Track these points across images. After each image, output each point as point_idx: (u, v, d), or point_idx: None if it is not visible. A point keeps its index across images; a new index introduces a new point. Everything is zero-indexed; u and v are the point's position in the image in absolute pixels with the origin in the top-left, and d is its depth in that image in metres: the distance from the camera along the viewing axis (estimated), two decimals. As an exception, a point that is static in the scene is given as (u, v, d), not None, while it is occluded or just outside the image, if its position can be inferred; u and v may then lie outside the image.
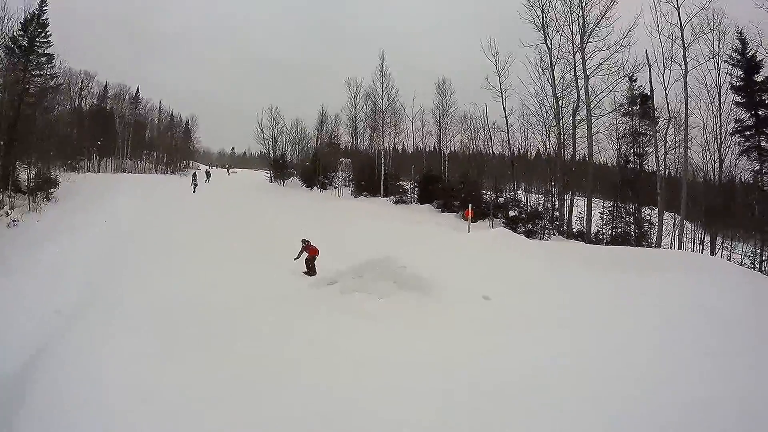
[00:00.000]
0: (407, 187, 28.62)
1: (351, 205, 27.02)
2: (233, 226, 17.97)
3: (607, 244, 21.83)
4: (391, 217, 23.82)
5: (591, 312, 7.94)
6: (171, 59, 53.31)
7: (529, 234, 22.70)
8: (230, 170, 44.88)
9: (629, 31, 22.11)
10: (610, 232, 22.78)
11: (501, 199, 25.56)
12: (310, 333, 7.03)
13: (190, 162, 39.01)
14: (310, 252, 13.04)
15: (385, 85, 29.15)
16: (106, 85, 33.50)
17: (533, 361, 6.03)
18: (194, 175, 30.34)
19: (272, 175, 34.12)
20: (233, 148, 56.09)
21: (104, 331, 7.36)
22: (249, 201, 25.15)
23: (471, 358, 6.21)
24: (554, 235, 23.45)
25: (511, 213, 24.62)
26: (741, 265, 17.94)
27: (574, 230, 23.42)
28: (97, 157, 31.87)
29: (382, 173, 28.87)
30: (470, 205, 20.47)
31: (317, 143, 33.17)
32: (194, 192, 26.62)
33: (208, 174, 34.07)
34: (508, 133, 26.18)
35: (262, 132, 34.20)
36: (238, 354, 6.38)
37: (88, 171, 29.78)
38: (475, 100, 32.43)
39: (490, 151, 27.59)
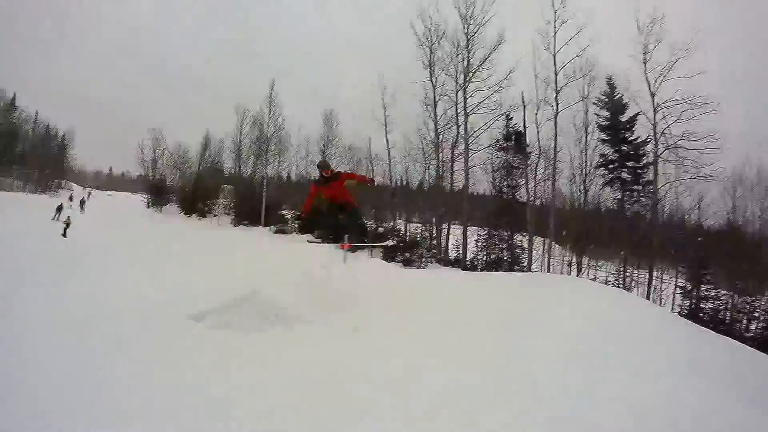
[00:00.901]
0: (288, 216, 27.32)
1: (228, 235, 25.22)
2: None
3: (482, 269, 22.38)
4: (269, 247, 22.29)
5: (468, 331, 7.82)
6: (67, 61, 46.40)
7: (407, 262, 22.89)
8: (106, 193, 40.57)
9: (509, 74, 23.69)
10: (484, 258, 23.18)
11: (380, 230, 24.95)
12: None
13: (62, 182, 34.78)
14: None
15: (272, 112, 28.61)
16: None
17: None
18: (59, 207, 24.62)
19: (150, 200, 31.46)
20: (111, 168, 50.81)
21: None
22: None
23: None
24: (432, 263, 23.51)
25: (390, 242, 23.94)
26: (606, 283, 19.42)
27: (451, 258, 23.66)
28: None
29: (263, 202, 27.50)
30: (346, 235, 19.71)
31: (199, 168, 31.31)
32: (64, 235, 19.87)
33: (82, 204, 29.93)
34: (389, 164, 26.56)
35: (142, 152, 31.95)
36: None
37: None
38: (361, 130, 32.72)
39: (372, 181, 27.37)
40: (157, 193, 31.25)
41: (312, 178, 9.95)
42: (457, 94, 24.48)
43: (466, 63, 24.31)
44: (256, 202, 27.72)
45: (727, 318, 20.30)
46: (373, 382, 5.44)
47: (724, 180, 21.53)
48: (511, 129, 24.15)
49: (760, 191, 22.30)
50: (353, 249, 20.84)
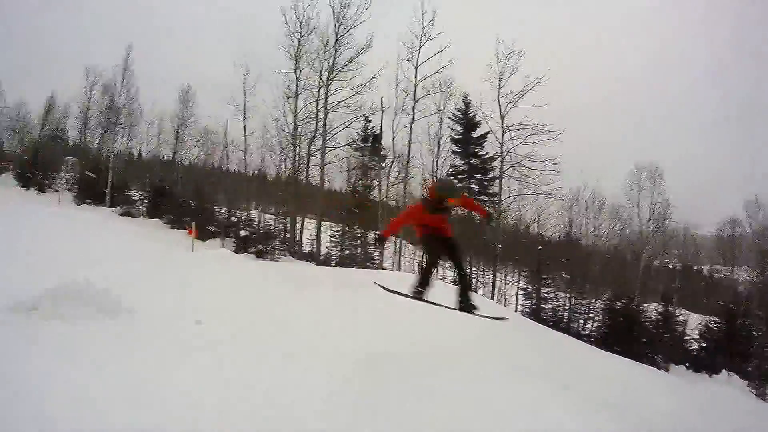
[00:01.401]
0: (136, 198, 25.41)
1: (68, 215, 22.63)
2: None
3: (336, 265, 22.42)
4: (112, 230, 20.23)
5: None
6: None
7: (260, 254, 22.23)
8: None
9: (372, 78, 24.03)
10: (338, 253, 23.58)
11: (233, 218, 24.00)
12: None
13: None
14: None
15: (125, 81, 26.00)
16: None
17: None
18: None
19: (-22, 168, 27.63)
20: None
21: None
22: None
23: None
24: (285, 255, 23.19)
25: (243, 233, 23.14)
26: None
27: (305, 251, 23.78)
28: None
29: (109, 180, 25.11)
30: (193, 222, 18.85)
31: (41, 134, 27.99)
32: None
33: None
34: (245, 152, 25.76)
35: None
36: None
37: None
38: (218, 114, 31.35)
39: (227, 169, 26.77)
40: (-12, 158, 27.54)
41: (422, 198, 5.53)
42: (319, 90, 24.39)
43: (332, 61, 24.29)
44: (103, 180, 25.30)
45: (565, 318, 22.42)
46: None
47: (562, 198, 24.51)
48: (368, 131, 24.82)
49: (594, 210, 25.71)
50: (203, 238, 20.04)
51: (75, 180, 25.90)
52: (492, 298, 22.47)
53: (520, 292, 23.29)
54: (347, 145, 24.76)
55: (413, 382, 5.21)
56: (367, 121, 24.57)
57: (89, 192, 25.13)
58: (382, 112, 24.08)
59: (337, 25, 24.18)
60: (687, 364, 21.28)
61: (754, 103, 50.41)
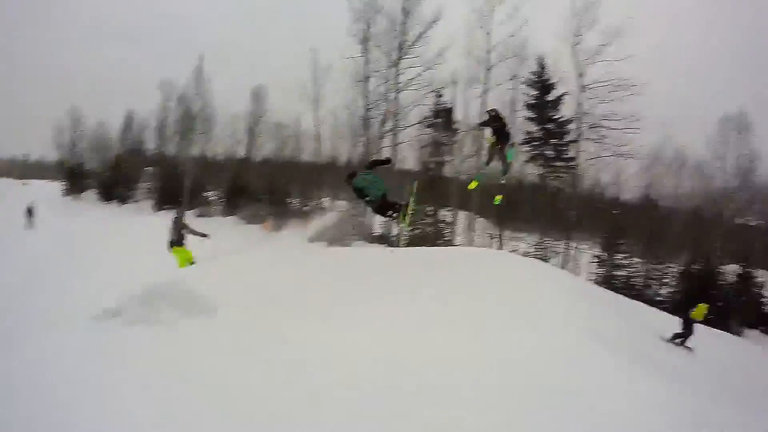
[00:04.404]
0: (212, 198, 26.34)
1: (147, 222, 23.55)
2: None
3: (407, 245, 21.92)
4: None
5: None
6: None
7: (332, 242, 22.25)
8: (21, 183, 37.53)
9: (443, 51, 23.56)
10: (409, 233, 22.80)
11: (306, 208, 24.47)
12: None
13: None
14: None
15: (200, 88, 27.35)
16: None
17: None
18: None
19: (67, 187, 29.45)
20: (26, 155, 47.00)
21: None
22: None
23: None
24: (359, 239, 23.02)
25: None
26: (526, 255, 19.22)
27: (376, 234, 23.70)
28: None
29: (186, 184, 26.23)
30: (269, 216, 19.60)
31: (120, 149, 29.65)
32: None
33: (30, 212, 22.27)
34: (319, 141, 26.18)
35: (59, 134, 30.05)
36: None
37: None
38: (291, 107, 32.12)
39: (300, 159, 27.32)
40: (74, 178, 29.36)
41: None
42: (389, 71, 24.26)
43: (401, 39, 24.04)
44: (179, 184, 26.47)
45: (639, 284, 21.47)
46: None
47: (642, 158, 22.83)
48: (440, 106, 24.44)
49: (676, 169, 24.00)
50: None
51: (153, 189, 27.16)
52: (564, 267, 21.83)
53: (594, 260, 22.35)
54: (419, 122, 24.44)
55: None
56: (439, 96, 24.34)
57: (167, 198, 26.24)
58: (455, 85, 23.89)
59: (404, 1, 23.90)
60: (762, 328, 20.18)
61: None
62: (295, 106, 28.98)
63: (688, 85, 38.79)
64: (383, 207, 7.67)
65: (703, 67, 43.58)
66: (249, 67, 44.75)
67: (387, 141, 24.32)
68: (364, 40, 24.43)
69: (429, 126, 24.46)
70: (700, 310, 10.39)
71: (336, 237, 22.45)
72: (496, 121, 9.09)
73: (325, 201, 25.55)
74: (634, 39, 22.69)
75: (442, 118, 24.24)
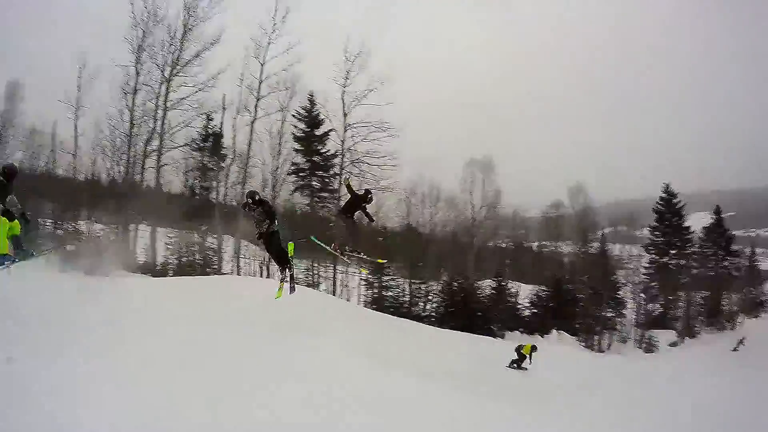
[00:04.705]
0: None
1: None
2: None
3: (174, 274, 21.42)
4: None
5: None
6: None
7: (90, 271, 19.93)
8: None
9: (218, 74, 23.27)
10: (176, 261, 22.40)
11: (60, 232, 21.96)
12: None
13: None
14: None
15: None
16: None
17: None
18: None
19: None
20: None
21: None
22: None
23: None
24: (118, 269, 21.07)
25: (69, 247, 21.23)
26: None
27: (140, 262, 21.82)
28: None
29: None
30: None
31: None
32: None
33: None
34: (74, 155, 23.03)
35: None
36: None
37: None
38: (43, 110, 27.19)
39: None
40: None
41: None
42: (161, 87, 23.07)
43: (177, 55, 23.07)
44: None
45: (407, 303, 24.21)
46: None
47: (400, 191, 25.41)
48: (210, 130, 23.87)
49: (431, 201, 26.95)
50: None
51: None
52: (334, 293, 23.40)
53: (362, 282, 24.17)
54: (186, 145, 23.56)
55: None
56: (209, 119, 23.72)
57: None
58: (224, 110, 23.64)
59: (187, 16, 23.01)
60: (521, 329, 23.73)
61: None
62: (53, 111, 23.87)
63: (441, 130, 44.04)
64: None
65: (453, 114, 53.85)
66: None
67: (151, 161, 23.00)
68: (139, 49, 22.86)
69: (196, 149, 23.72)
70: (527, 348, 17.25)
71: (95, 265, 20.66)
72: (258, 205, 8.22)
73: (81, 223, 22.76)
74: (396, 86, 25.41)
75: (211, 142, 23.69)
